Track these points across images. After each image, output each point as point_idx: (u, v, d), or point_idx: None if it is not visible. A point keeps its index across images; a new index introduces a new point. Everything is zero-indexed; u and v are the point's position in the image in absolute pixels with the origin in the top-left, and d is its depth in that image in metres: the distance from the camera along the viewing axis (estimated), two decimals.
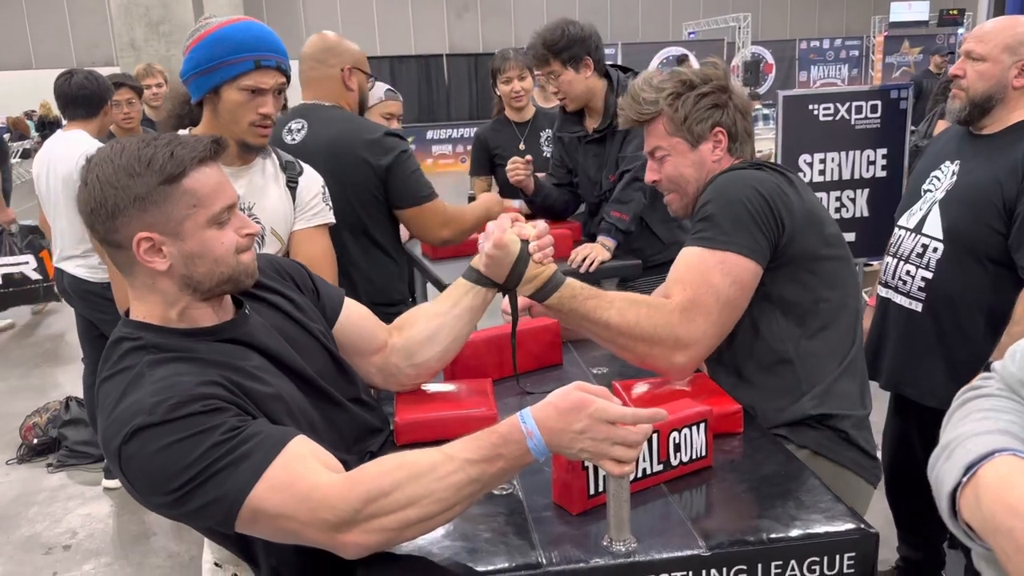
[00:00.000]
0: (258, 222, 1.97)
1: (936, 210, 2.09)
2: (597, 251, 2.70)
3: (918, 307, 2.10)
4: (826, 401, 1.61)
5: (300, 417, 1.26)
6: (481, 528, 1.21)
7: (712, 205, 1.58)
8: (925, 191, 2.17)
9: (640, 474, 1.28)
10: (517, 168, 2.95)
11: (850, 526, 1.17)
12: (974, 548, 0.97)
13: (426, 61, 19.26)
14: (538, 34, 2.87)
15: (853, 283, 1.72)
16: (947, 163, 2.13)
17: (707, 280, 1.53)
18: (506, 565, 1.11)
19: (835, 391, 1.62)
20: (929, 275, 2.07)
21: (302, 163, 2.12)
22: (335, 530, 1.08)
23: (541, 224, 1.53)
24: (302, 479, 1.09)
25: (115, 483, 3.58)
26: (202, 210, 1.20)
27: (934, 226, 2.08)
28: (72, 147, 3.25)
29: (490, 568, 1.11)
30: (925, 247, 2.09)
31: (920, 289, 2.09)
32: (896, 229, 2.23)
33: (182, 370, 1.16)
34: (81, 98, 3.31)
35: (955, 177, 2.08)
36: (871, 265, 5.49)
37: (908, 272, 2.13)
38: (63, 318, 3.63)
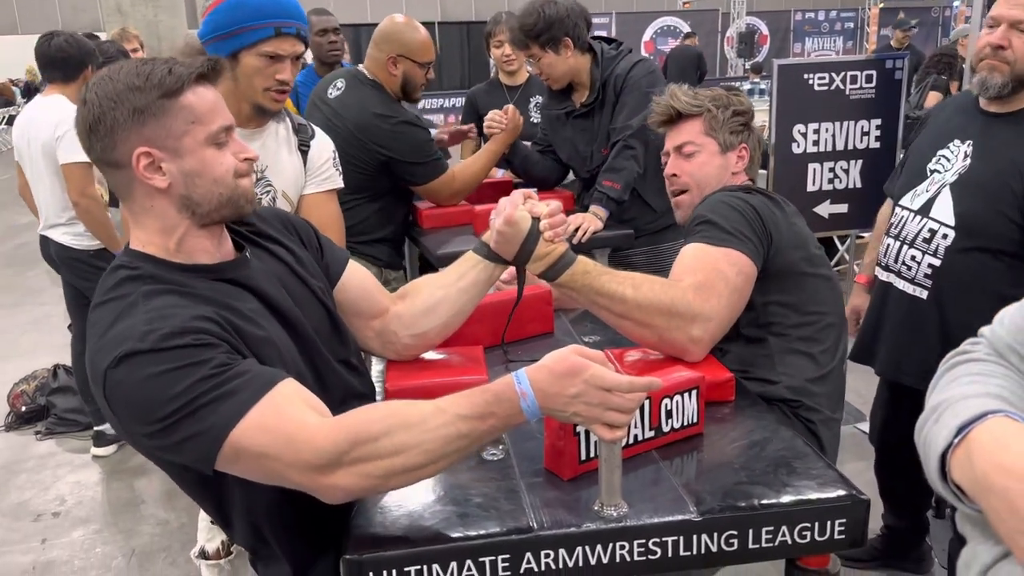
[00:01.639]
0: (270, 185, 2.01)
1: (947, 194, 1.98)
2: (589, 221, 2.68)
3: (923, 294, 2.02)
4: (800, 394, 1.65)
5: (291, 367, 1.24)
6: (472, 493, 1.20)
7: (709, 213, 1.65)
8: (932, 171, 2.05)
9: (631, 440, 1.28)
10: (493, 119, 2.91)
11: (841, 492, 1.17)
12: (961, 509, 0.97)
13: (449, 28, 19.01)
14: (516, 17, 2.85)
15: (836, 302, 1.76)
16: (956, 143, 2.01)
17: (716, 268, 1.56)
18: (497, 529, 1.11)
19: (809, 390, 1.66)
20: (937, 262, 1.98)
21: (314, 127, 2.17)
22: (318, 472, 1.07)
23: (554, 203, 1.52)
24: (288, 419, 1.09)
25: (104, 451, 3.58)
26: (200, 127, 1.20)
27: (943, 211, 1.97)
28: (51, 112, 3.19)
29: (481, 532, 1.10)
30: (933, 232, 1.99)
31: (926, 276, 2.00)
32: (897, 209, 2.13)
33: (177, 303, 1.15)
34: (60, 60, 3.24)
35: (968, 160, 1.96)
36: (862, 237, 5.52)
37: (913, 257, 2.04)
38: (52, 285, 3.59)
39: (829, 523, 1.15)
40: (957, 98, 2.19)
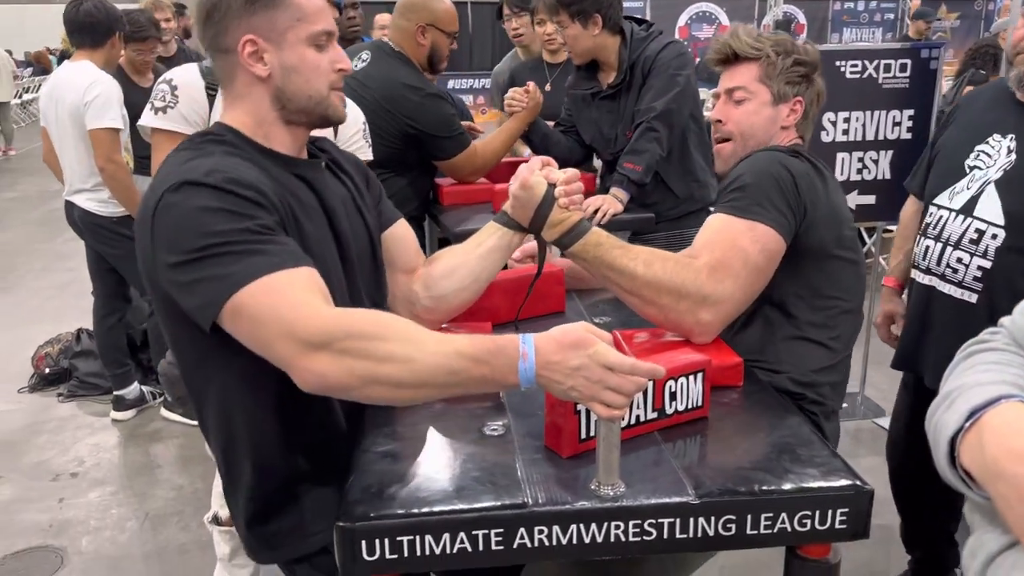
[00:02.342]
0: None
1: (992, 191, 1.87)
2: (609, 203, 2.65)
3: (972, 298, 1.88)
4: (804, 387, 1.61)
5: (330, 276, 1.27)
6: (470, 467, 1.20)
7: (746, 176, 1.58)
8: (971, 168, 1.94)
9: (633, 421, 1.26)
10: (514, 97, 2.89)
11: (845, 482, 1.15)
12: (969, 496, 0.94)
13: (477, 8, 18.90)
14: None
15: (858, 289, 1.70)
16: (997, 137, 1.91)
17: (736, 244, 1.50)
18: (492, 503, 1.10)
19: (816, 381, 1.62)
20: (987, 264, 1.85)
21: (346, 98, 2.12)
22: (304, 349, 1.07)
23: (571, 170, 1.53)
24: (298, 294, 1.11)
25: (123, 415, 3.63)
26: (305, 25, 1.27)
27: (990, 209, 1.86)
28: (78, 77, 3.21)
29: (475, 506, 1.09)
30: (980, 232, 1.86)
31: (976, 279, 1.88)
32: (932, 208, 1.99)
33: (250, 169, 1.22)
34: (88, 26, 3.26)
35: (1013, 155, 1.86)
36: (890, 231, 5.42)
37: (960, 259, 1.90)
38: (80, 250, 3.63)
39: (831, 512, 1.13)
40: (987, 91, 2.08)
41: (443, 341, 1.10)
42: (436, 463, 1.21)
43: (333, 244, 1.34)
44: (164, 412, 3.65)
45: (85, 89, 3.17)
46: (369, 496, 1.12)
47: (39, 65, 17.45)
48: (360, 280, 1.40)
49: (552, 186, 1.50)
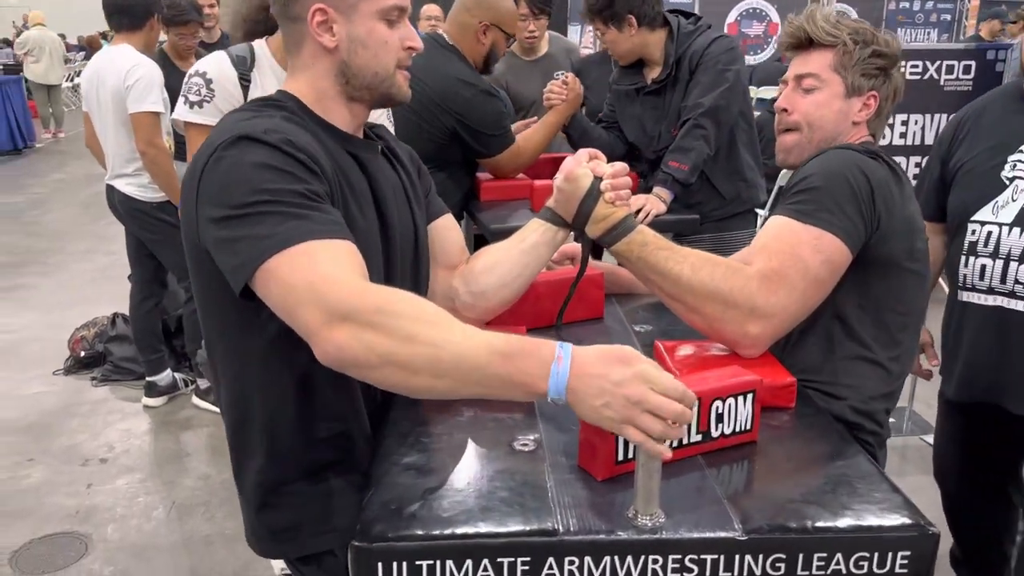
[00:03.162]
0: None
1: None
2: (652, 203, 2.55)
3: None
4: (863, 416, 1.51)
5: (370, 260, 1.22)
6: (498, 485, 1.12)
7: (817, 178, 1.45)
8: (1011, 179, 1.85)
9: (676, 443, 1.17)
10: (552, 91, 2.81)
11: (907, 521, 1.05)
12: None
13: None
14: None
15: (923, 304, 1.59)
16: None
17: (796, 253, 1.38)
18: (520, 528, 1.02)
19: (873, 409, 1.52)
20: None
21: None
22: (328, 318, 1.02)
23: (619, 164, 1.46)
24: (336, 263, 1.06)
25: (154, 401, 3.62)
26: None
27: None
28: (119, 61, 3.20)
29: (501, 530, 1.01)
30: None
31: None
32: (974, 226, 1.89)
33: (306, 135, 1.20)
34: (126, 8, 3.25)
35: None
36: None
37: None
38: (122, 233, 3.64)
39: (891, 555, 1.03)
40: (995, 100, 1.97)
41: (473, 333, 1.03)
42: (461, 479, 1.13)
43: (377, 229, 1.30)
44: (195, 400, 3.64)
45: (126, 73, 3.15)
46: (388, 513, 1.04)
47: (91, 49, 17.74)
48: (399, 269, 1.36)
49: (598, 179, 1.43)
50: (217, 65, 2.06)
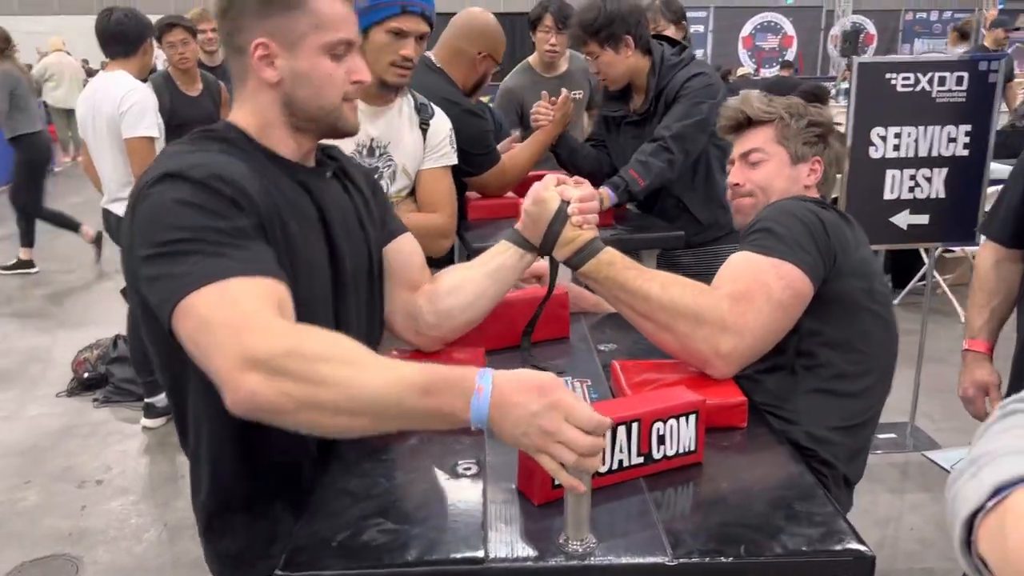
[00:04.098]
0: (391, 160, 2.18)
1: None
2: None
3: None
4: (817, 442, 1.48)
5: (317, 289, 1.25)
6: (433, 512, 1.11)
7: (771, 221, 1.48)
8: None
9: (616, 466, 1.16)
10: (539, 111, 2.81)
11: (843, 546, 1.02)
12: None
13: (512, 19, 18.97)
14: (576, 13, 2.74)
15: (888, 349, 1.57)
16: None
17: (760, 279, 1.40)
18: (447, 556, 1.01)
19: (829, 439, 1.49)
20: None
21: (434, 106, 2.29)
22: (242, 364, 0.99)
23: (587, 187, 1.47)
24: (252, 303, 1.04)
25: (153, 422, 3.65)
26: (321, 33, 1.22)
27: None
28: (114, 87, 3.25)
29: (428, 557, 1.00)
30: None
31: None
32: None
33: (243, 170, 1.17)
34: (119, 35, 3.30)
35: None
36: (952, 251, 5.16)
37: None
38: None
39: None
40: None
41: (390, 367, 1.02)
42: (396, 505, 1.12)
43: (326, 256, 1.29)
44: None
45: (121, 99, 3.20)
46: (316, 543, 1.03)
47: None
48: (352, 295, 1.34)
49: (566, 203, 1.43)
50: None
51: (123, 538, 2.85)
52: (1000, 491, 0.73)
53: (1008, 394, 1.86)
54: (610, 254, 1.43)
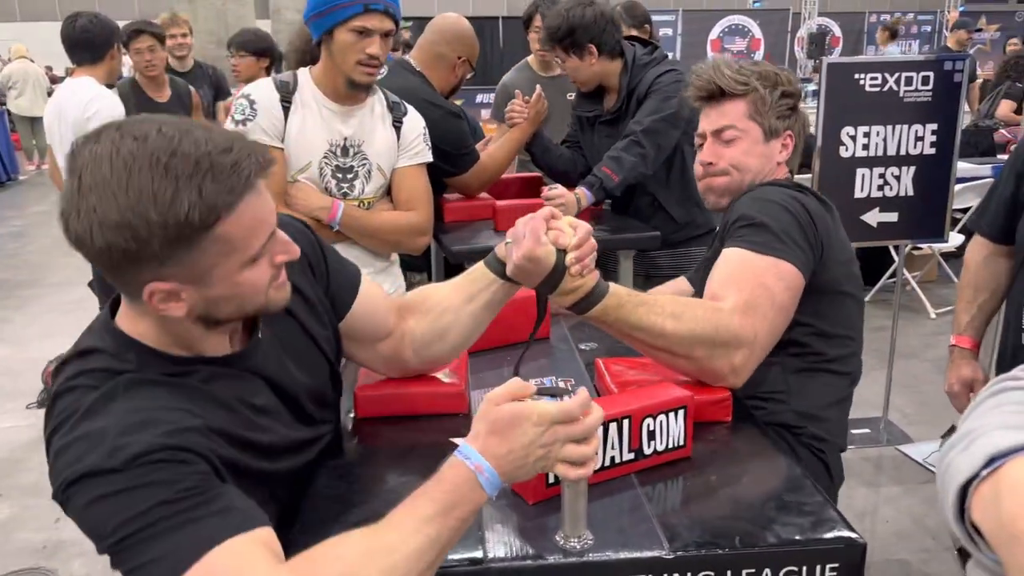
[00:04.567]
0: (366, 159, 2.17)
1: None
2: (569, 201, 2.55)
3: None
4: (806, 419, 1.51)
5: (287, 453, 1.14)
6: None
7: (760, 213, 1.47)
8: None
9: (608, 462, 1.17)
10: (514, 109, 2.84)
11: (835, 534, 1.04)
12: (976, 556, 0.82)
13: (482, 23, 18.99)
14: (546, 18, 2.80)
15: (861, 325, 1.61)
16: None
17: (762, 283, 1.39)
18: (445, 558, 1.01)
19: (819, 416, 1.53)
20: None
21: (407, 104, 2.30)
22: None
23: (583, 229, 1.27)
24: (253, 568, 0.90)
25: None
26: (236, 255, 1.00)
27: None
28: (80, 93, 3.20)
29: None
30: None
31: None
32: None
33: (164, 402, 0.99)
34: (85, 41, 3.25)
35: None
36: (920, 249, 5.25)
37: None
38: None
39: (819, 568, 1.03)
40: None
41: (406, 524, 0.94)
42: (389, 509, 1.12)
43: (289, 413, 1.17)
44: None
45: (86, 105, 3.16)
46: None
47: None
48: (320, 410, 1.24)
49: (562, 252, 1.25)
50: (261, 88, 2.16)
51: None
52: (994, 461, 0.76)
53: None
54: (616, 296, 1.31)
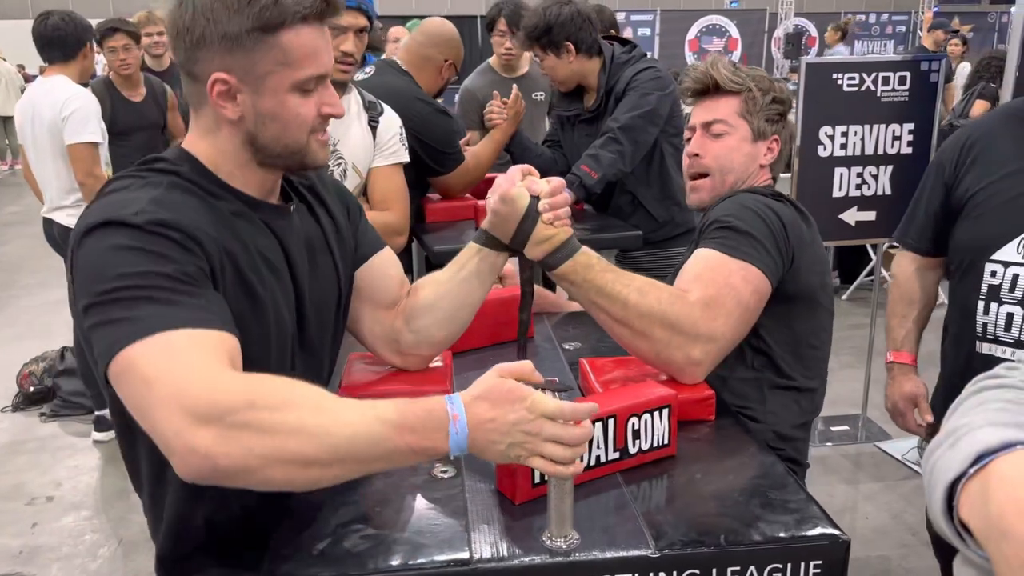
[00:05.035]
0: (341, 158, 2.14)
1: None
2: None
3: None
4: (784, 441, 1.55)
5: (282, 326, 1.18)
6: (414, 516, 1.11)
7: (734, 217, 1.49)
8: None
9: (593, 462, 1.17)
10: (493, 111, 2.86)
11: (820, 531, 1.05)
12: (964, 553, 0.83)
13: (460, 22, 18.95)
14: (525, 16, 2.83)
15: (829, 340, 1.64)
16: None
17: (728, 282, 1.40)
18: (431, 559, 1.00)
19: (793, 436, 1.57)
20: None
21: (383, 104, 2.29)
22: (191, 421, 0.90)
23: (556, 180, 1.37)
24: (199, 356, 0.95)
25: (104, 436, 3.55)
26: (289, 71, 1.11)
27: None
28: (55, 93, 3.16)
29: (410, 562, 1.00)
30: None
31: None
32: (994, 266, 1.62)
33: (194, 206, 1.09)
34: (57, 40, 3.22)
35: None
36: (895, 247, 5.31)
37: None
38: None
39: (803, 565, 1.03)
40: (1002, 123, 1.74)
41: (362, 408, 0.96)
42: (377, 511, 1.12)
43: (290, 296, 1.21)
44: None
45: (62, 104, 3.12)
46: (297, 551, 1.02)
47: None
48: (315, 330, 1.27)
49: (535, 198, 1.34)
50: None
51: (77, 555, 2.77)
52: (982, 458, 0.77)
53: (937, 410, 1.81)
54: (587, 256, 1.36)
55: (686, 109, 1.95)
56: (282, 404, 0.94)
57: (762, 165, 1.67)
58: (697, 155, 1.67)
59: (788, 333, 1.54)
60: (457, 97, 3.81)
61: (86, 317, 1.00)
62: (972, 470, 0.77)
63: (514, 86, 2.94)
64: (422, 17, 3.02)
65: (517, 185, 1.34)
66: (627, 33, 13.40)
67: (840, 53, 8.78)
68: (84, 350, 1.11)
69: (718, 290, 1.39)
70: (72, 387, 3.82)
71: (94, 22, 3.70)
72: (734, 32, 17.99)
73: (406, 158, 2.30)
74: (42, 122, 3.18)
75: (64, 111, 3.11)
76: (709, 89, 1.67)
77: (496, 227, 1.37)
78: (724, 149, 1.64)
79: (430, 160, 2.69)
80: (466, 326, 1.44)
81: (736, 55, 17.01)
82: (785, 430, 1.52)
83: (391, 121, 2.27)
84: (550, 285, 2.03)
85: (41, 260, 6.62)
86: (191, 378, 0.93)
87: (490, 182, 3.14)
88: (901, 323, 1.92)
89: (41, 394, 3.90)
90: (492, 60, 3.72)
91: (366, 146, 2.20)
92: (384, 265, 1.42)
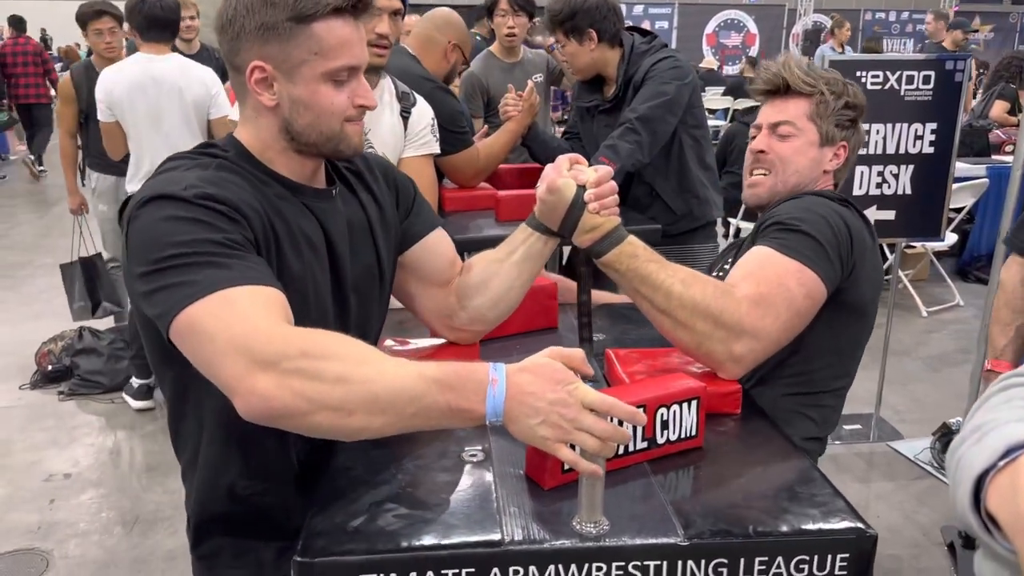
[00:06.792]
0: (371, 147, 2.13)
1: None
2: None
3: None
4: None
5: (317, 309, 1.23)
6: (444, 497, 1.12)
7: (799, 219, 1.47)
8: None
9: (622, 450, 1.18)
10: (508, 103, 2.86)
11: (846, 524, 1.06)
12: (990, 545, 0.84)
13: (461, 11, 18.89)
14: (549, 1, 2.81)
15: (861, 355, 1.64)
16: None
17: (782, 282, 1.39)
18: (464, 540, 1.02)
19: (809, 449, 1.57)
20: None
21: (416, 94, 2.29)
22: (250, 367, 0.98)
23: (603, 169, 1.38)
24: (256, 309, 1.03)
25: (143, 404, 3.61)
26: (321, 61, 1.17)
27: None
28: (195, 70, 3.36)
29: (445, 542, 1.01)
30: None
31: None
32: None
33: (240, 185, 1.16)
34: (165, 21, 3.32)
35: None
36: (913, 247, 5.29)
37: None
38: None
39: (830, 557, 1.04)
40: None
41: (404, 364, 1.02)
42: (408, 491, 1.13)
43: (328, 279, 1.27)
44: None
45: (210, 82, 3.33)
46: (332, 528, 1.04)
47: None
48: (353, 311, 1.32)
49: (582, 188, 1.35)
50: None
51: (94, 531, 2.80)
52: (1011, 452, 0.78)
53: None
54: (633, 245, 1.37)
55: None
56: (331, 354, 1.01)
57: (826, 171, 1.64)
58: (762, 151, 1.65)
59: (832, 343, 1.53)
60: (459, 81, 3.83)
61: (143, 283, 1.07)
62: (1002, 463, 0.78)
63: (529, 81, 2.93)
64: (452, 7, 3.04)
65: (564, 175, 1.36)
66: (645, 26, 13.32)
67: (827, 53, 8.68)
68: (139, 320, 1.17)
69: (770, 288, 1.38)
70: (90, 366, 3.86)
71: (80, 3, 3.71)
72: (752, 27, 17.92)
73: (437, 149, 2.31)
74: (184, 97, 3.30)
75: (213, 88, 3.31)
76: (780, 89, 1.64)
77: (544, 215, 1.39)
78: (790, 149, 1.62)
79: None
80: (516, 305, 1.48)
81: (754, 50, 16.93)
82: (800, 442, 1.50)
83: (423, 112, 2.27)
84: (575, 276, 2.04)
85: (57, 240, 6.67)
86: (250, 328, 1.00)
87: (516, 172, 3.15)
88: (1004, 331, 1.90)
89: (59, 373, 3.94)
90: (493, 46, 3.75)
91: (397, 136, 2.21)
92: (437, 244, 1.48)
